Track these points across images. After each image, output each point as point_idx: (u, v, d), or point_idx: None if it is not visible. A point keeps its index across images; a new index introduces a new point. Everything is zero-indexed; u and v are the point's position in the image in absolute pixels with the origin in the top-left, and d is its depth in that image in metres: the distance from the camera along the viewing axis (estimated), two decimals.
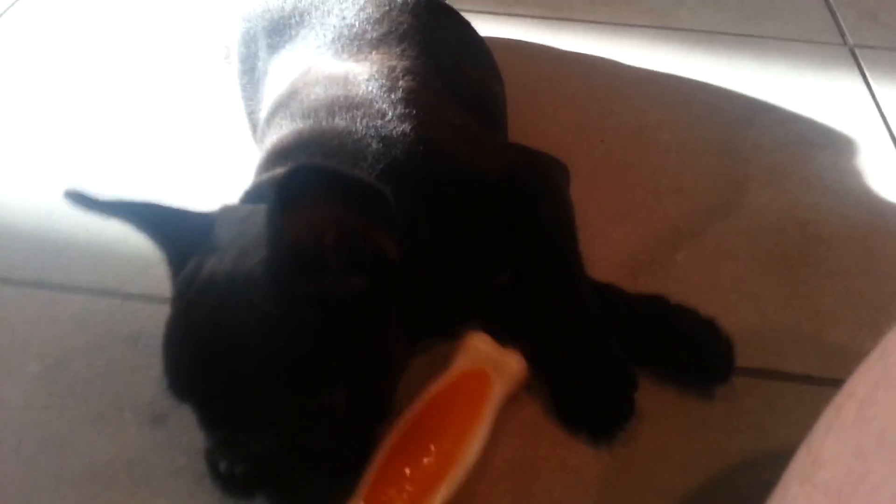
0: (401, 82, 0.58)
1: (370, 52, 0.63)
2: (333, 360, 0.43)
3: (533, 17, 0.96)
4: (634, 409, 0.52)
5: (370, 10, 0.66)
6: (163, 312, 0.46)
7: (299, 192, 0.41)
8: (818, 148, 0.77)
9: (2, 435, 0.54)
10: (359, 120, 0.54)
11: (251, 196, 0.53)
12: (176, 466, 0.51)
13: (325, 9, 0.68)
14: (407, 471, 0.47)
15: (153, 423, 0.53)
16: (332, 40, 0.65)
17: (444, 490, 0.46)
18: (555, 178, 0.63)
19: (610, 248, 0.66)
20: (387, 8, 0.67)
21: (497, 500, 0.49)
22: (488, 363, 0.53)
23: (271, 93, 0.65)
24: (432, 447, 0.48)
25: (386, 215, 0.44)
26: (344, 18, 0.66)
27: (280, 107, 0.61)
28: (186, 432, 0.51)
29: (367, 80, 0.58)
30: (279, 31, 0.69)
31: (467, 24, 0.76)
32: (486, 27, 0.87)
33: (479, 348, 0.53)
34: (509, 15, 0.97)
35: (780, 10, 0.99)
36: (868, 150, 0.77)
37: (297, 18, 0.68)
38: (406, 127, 0.54)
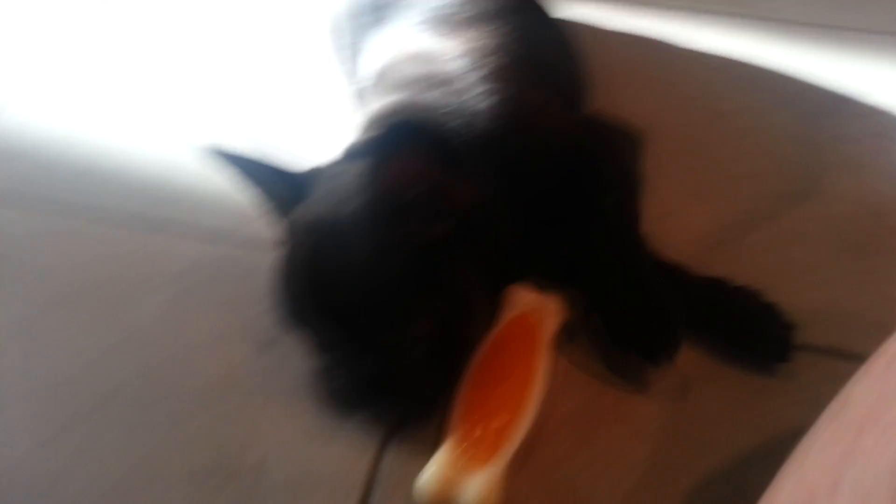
0: (488, 59, 0.63)
1: (462, 31, 0.67)
2: (425, 294, 0.50)
3: (613, 0, 0.99)
4: (680, 343, 0.57)
5: None
6: (264, 257, 0.54)
7: (396, 148, 0.48)
8: None
9: (130, 349, 0.62)
10: (448, 94, 0.59)
11: (349, 156, 0.58)
12: (281, 386, 0.59)
13: None
14: (484, 411, 0.52)
15: (262, 349, 0.61)
16: (427, 20, 0.69)
17: (520, 428, 0.52)
18: (621, 147, 0.66)
19: (683, 227, 0.68)
20: None
21: (560, 444, 0.54)
22: (530, 308, 0.58)
23: (369, 66, 0.70)
24: (501, 389, 0.53)
25: (465, 174, 0.49)
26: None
27: (378, 80, 0.66)
28: (290, 358, 0.58)
29: (458, 56, 0.63)
30: (379, 8, 0.74)
31: (545, 9, 0.80)
32: (566, 8, 0.90)
33: (520, 296, 0.59)
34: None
35: (866, 1, 0.98)
36: None
37: None
38: (489, 102, 0.59)
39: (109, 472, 0.56)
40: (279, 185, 0.57)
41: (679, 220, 0.69)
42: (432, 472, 0.50)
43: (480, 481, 0.49)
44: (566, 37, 0.80)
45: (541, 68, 0.68)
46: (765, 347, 0.58)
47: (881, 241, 0.67)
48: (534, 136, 0.60)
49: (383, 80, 0.65)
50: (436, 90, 0.60)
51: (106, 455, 0.57)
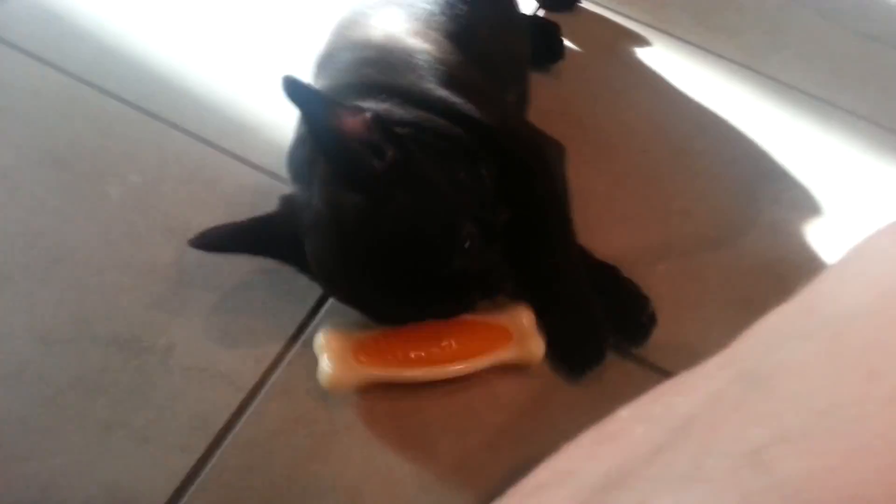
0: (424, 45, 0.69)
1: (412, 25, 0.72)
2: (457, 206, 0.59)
3: (637, 20, 1.04)
4: (604, 356, 0.66)
5: None
6: (240, 171, 0.62)
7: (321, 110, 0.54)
8: (832, 220, 0.84)
9: (96, 226, 0.70)
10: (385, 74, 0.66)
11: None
12: (210, 289, 0.68)
13: None
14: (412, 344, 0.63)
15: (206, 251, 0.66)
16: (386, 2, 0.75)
17: (423, 375, 0.63)
18: (547, 153, 0.72)
19: (603, 241, 0.75)
20: None
21: (428, 395, 0.64)
22: (517, 331, 0.65)
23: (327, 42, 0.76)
24: (453, 344, 0.63)
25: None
26: None
27: (328, 58, 0.72)
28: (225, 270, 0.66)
29: (402, 46, 0.69)
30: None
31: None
32: (591, 20, 0.96)
33: (520, 317, 0.65)
34: (615, 11, 1.05)
35: (867, 88, 1.03)
36: None
37: None
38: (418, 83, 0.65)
39: (41, 324, 0.64)
40: (273, 240, 0.62)
41: (603, 235, 0.76)
42: (335, 353, 0.60)
43: (351, 367, 0.60)
44: (515, 26, 0.86)
45: (472, 50, 0.73)
46: (628, 329, 0.69)
47: (768, 303, 0.75)
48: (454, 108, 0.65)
49: (337, 57, 0.70)
50: (380, 71, 0.66)
51: (40, 308, 0.65)
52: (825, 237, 0.82)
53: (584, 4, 1.04)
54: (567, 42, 0.97)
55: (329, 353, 0.61)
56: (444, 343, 0.63)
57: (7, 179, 0.73)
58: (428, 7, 0.74)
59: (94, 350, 0.63)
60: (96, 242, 0.69)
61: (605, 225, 0.78)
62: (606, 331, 0.67)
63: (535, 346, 0.65)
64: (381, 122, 0.56)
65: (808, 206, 0.86)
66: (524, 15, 0.94)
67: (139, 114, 0.80)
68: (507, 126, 0.69)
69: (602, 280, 0.70)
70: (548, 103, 0.89)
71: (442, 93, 0.65)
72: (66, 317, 0.65)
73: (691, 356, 0.66)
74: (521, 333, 0.65)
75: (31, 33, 0.85)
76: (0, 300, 0.65)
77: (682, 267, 0.77)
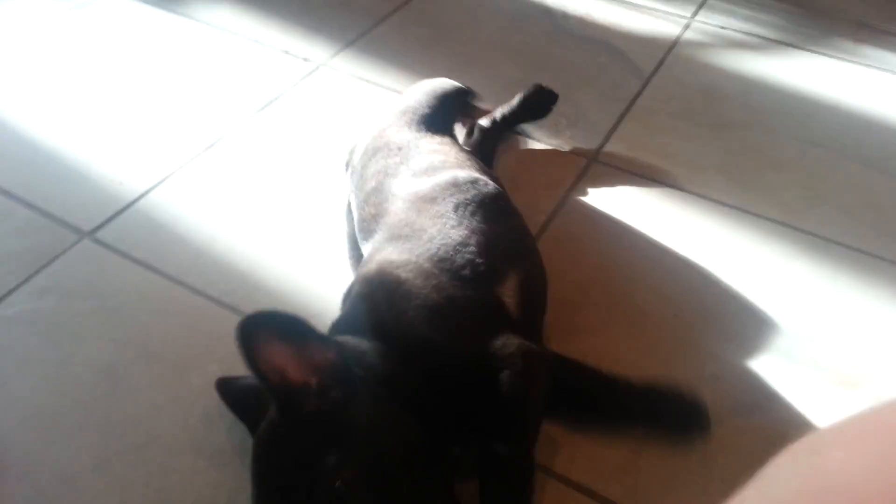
0: (407, 274, 0.76)
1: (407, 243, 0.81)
2: (343, 448, 0.61)
3: (672, 186, 1.11)
4: None
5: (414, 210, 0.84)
6: None
7: (251, 341, 0.62)
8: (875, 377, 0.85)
9: (179, 412, 0.83)
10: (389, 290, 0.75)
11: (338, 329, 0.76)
12: None
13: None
14: None
15: None
16: (390, 238, 0.83)
17: None
18: (531, 362, 0.71)
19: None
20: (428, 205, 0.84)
21: None
22: None
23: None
24: None
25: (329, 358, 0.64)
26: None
27: (349, 288, 0.82)
28: None
29: (402, 264, 0.77)
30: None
31: (512, 215, 0.90)
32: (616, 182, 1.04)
33: None
34: (648, 178, 1.12)
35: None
36: None
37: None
38: (413, 301, 0.73)
39: None
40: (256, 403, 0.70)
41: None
42: None
43: None
44: (519, 243, 0.87)
45: (463, 272, 0.77)
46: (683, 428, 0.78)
47: None
48: (432, 340, 0.71)
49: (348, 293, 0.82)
50: (374, 294, 0.76)
51: (129, 490, 0.77)
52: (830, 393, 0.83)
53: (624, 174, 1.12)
54: (599, 206, 1.05)
55: None
56: None
57: (111, 374, 0.87)
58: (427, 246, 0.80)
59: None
60: (178, 431, 0.81)
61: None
62: None
63: None
64: (339, 365, 0.64)
65: (827, 365, 0.86)
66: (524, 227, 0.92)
67: (220, 308, 0.94)
68: (484, 351, 0.71)
69: (646, 399, 0.78)
70: (580, 272, 0.96)
71: (419, 332, 0.72)
72: (152, 498, 0.76)
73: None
74: None
75: (140, 242, 1.02)
76: (99, 482, 0.77)
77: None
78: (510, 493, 0.69)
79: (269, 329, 0.63)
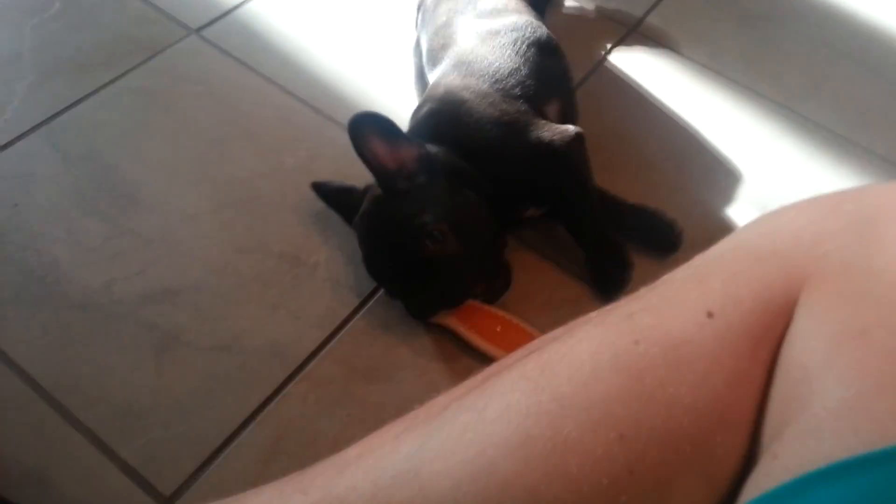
0: (484, 88, 0.94)
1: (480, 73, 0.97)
2: (435, 212, 0.83)
3: (696, 61, 1.28)
4: (629, 282, 0.91)
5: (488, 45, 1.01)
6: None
7: (359, 133, 0.83)
8: None
9: (275, 183, 1.04)
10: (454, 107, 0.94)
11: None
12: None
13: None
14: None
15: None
16: (455, 65, 1.00)
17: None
18: (573, 143, 0.91)
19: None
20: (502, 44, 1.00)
21: None
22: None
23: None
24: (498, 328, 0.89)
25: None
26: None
27: (417, 107, 0.98)
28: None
29: (464, 87, 0.94)
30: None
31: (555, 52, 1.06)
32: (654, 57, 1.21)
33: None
34: (674, 51, 1.29)
35: (890, 132, 1.21)
36: None
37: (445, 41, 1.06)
38: (475, 115, 0.91)
39: (238, 240, 0.98)
40: (347, 199, 0.94)
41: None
42: None
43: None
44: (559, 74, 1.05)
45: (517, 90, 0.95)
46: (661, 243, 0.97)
47: None
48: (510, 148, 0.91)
49: (429, 94, 0.99)
50: (451, 103, 0.93)
51: (238, 230, 0.99)
52: None
53: (648, 55, 1.29)
54: (630, 71, 1.23)
55: None
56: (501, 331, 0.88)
57: (219, 144, 1.08)
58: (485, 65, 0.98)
59: (269, 260, 0.96)
60: (275, 194, 1.03)
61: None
62: (628, 263, 0.92)
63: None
64: (424, 156, 0.85)
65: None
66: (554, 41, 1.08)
67: (306, 108, 1.13)
68: (533, 142, 0.90)
69: (637, 216, 0.98)
70: (604, 124, 1.15)
71: (477, 137, 0.90)
72: (254, 237, 0.98)
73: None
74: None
75: (238, 45, 1.21)
76: (214, 223, 0.99)
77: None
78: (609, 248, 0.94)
79: (371, 126, 0.84)
